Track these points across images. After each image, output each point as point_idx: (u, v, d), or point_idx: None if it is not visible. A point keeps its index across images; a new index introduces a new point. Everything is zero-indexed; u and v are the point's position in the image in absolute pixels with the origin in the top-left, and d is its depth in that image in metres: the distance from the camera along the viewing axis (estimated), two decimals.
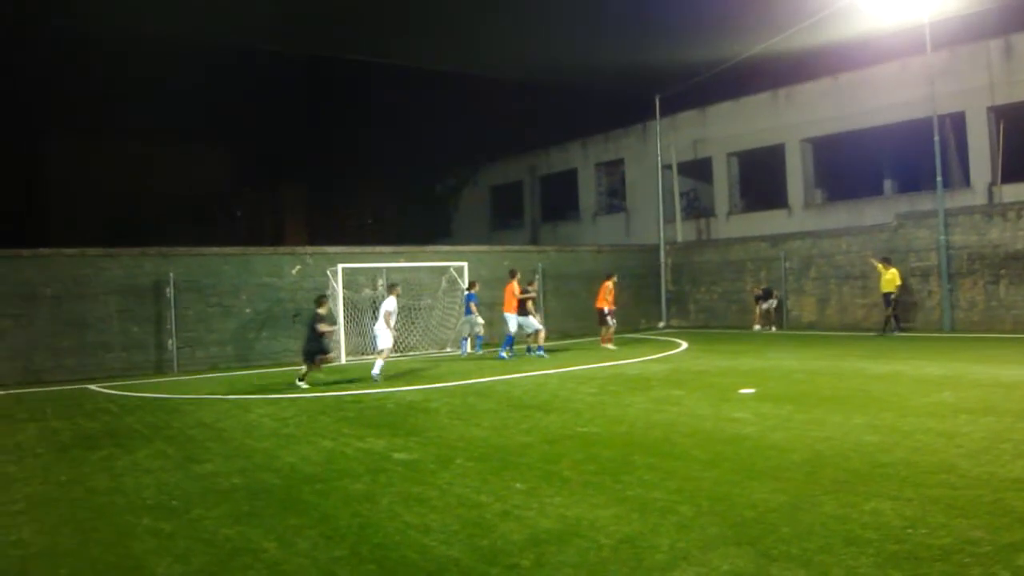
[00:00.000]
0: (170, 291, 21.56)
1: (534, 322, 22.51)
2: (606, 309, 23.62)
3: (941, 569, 5.32)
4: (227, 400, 15.54)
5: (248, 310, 22.98)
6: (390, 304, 18.14)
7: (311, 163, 49.83)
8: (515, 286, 22.40)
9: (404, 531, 6.66)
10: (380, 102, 46.83)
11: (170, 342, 21.63)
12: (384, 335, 17.98)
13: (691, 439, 9.90)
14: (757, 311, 29.00)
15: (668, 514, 6.81)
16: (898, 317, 24.75)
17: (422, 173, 49.86)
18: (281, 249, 25.40)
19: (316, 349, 17.29)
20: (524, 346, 23.38)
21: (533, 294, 23.70)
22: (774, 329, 28.26)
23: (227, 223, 49.63)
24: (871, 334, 24.67)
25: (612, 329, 23.99)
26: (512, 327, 22.28)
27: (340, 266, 23.18)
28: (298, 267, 23.84)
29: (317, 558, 6.09)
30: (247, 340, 22.93)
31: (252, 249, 24.25)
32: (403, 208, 51.12)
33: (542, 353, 22.00)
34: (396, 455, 9.73)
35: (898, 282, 24.51)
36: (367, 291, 24.66)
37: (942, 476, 7.66)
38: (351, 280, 23.92)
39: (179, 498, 8.04)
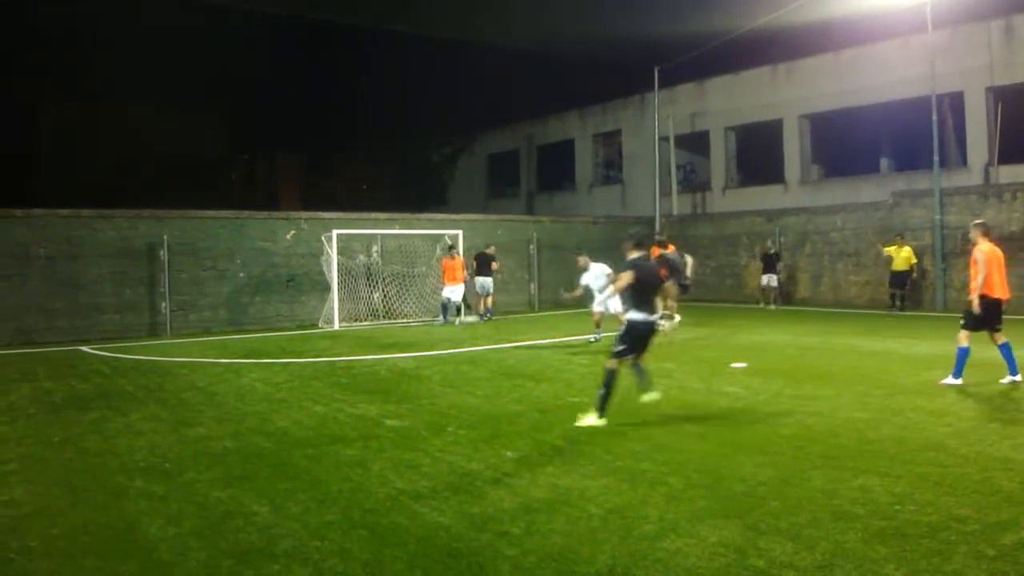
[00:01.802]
0: (164, 254, 21.49)
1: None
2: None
3: (927, 546, 5.38)
4: (220, 364, 15.54)
5: (242, 274, 22.92)
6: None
7: (307, 129, 49.54)
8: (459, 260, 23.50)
9: (395, 497, 6.71)
10: (377, 68, 46.58)
11: (163, 305, 21.60)
12: (613, 301, 17.29)
13: (682, 412, 9.96)
14: (759, 283, 28.12)
15: (658, 486, 6.87)
16: (903, 296, 24.47)
17: (419, 140, 49.61)
18: (276, 214, 25.30)
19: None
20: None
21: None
22: (773, 307, 27.40)
23: (222, 187, 49.39)
24: (895, 312, 24.37)
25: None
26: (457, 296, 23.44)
27: (335, 232, 23.09)
28: (293, 232, 23.77)
29: (308, 522, 6.13)
30: (240, 304, 22.90)
31: (247, 213, 24.15)
32: (399, 175, 50.91)
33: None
34: (388, 421, 9.78)
35: (913, 260, 24.29)
36: (361, 257, 24.61)
37: (931, 454, 7.73)
38: (345, 246, 23.84)
39: (171, 460, 8.08)
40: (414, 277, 25.27)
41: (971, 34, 26.38)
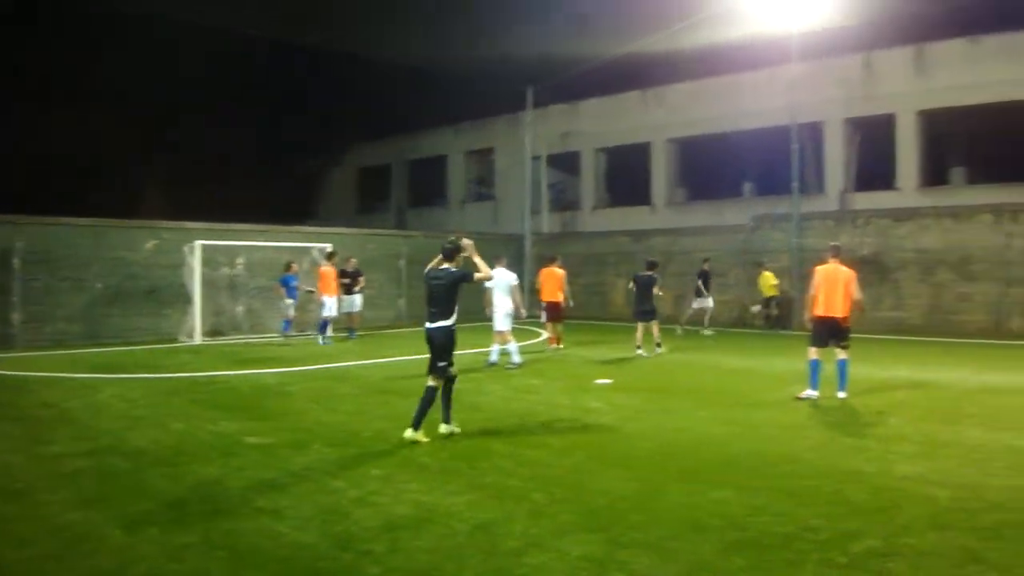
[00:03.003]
0: (16, 261, 20.49)
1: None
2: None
3: (782, 556, 5.58)
4: (74, 379, 14.90)
5: (99, 285, 22.00)
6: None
7: (171, 134, 47.97)
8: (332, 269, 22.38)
9: (256, 517, 6.56)
10: (246, 74, 45.41)
11: (15, 316, 20.57)
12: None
13: (547, 428, 10.05)
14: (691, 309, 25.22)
15: (522, 501, 6.91)
16: (777, 316, 25.24)
17: (288, 151, 48.71)
18: (137, 222, 24.32)
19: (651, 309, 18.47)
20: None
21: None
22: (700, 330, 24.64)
23: (84, 193, 47.34)
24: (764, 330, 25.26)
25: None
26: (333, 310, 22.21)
27: (198, 242, 22.44)
28: (154, 242, 22.98)
29: (165, 544, 5.93)
30: (97, 316, 21.95)
31: (106, 221, 23.06)
32: (267, 185, 49.71)
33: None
34: (250, 439, 9.53)
35: (773, 281, 24.97)
36: (225, 269, 24.00)
37: (786, 467, 8.01)
38: (209, 258, 23.15)
39: (23, 481, 7.72)
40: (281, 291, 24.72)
41: (832, 68, 27.67)
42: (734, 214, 29.56)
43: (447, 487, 7.38)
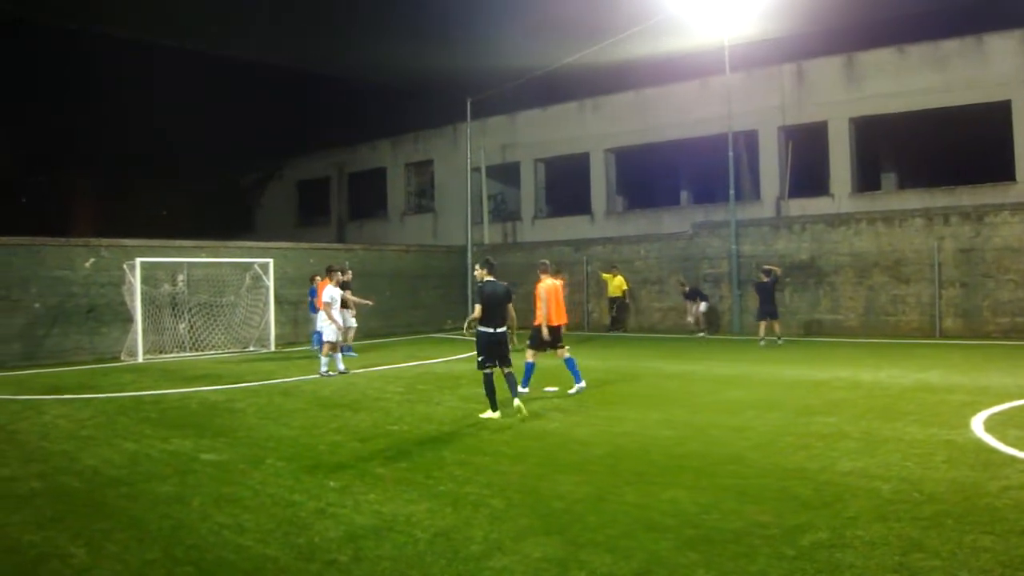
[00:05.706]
0: None
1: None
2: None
3: (733, 550, 5.79)
4: (17, 400, 14.67)
5: (37, 305, 21.62)
6: (331, 292, 17.69)
7: (100, 148, 46.94)
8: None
9: (218, 532, 6.60)
10: (181, 87, 44.75)
11: None
12: (328, 327, 17.57)
13: (498, 435, 10.19)
14: (692, 312, 26.17)
15: (480, 507, 7.05)
16: (616, 319, 27.91)
17: (224, 164, 48.16)
18: (75, 240, 23.90)
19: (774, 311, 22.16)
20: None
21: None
22: (703, 335, 25.71)
23: (9, 211, 46.18)
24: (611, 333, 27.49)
25: None
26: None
27: (138, 260, 22.15)
28: (92, 260, 22.64)
29: (129, 562, 5.95)
30: (36, 337, 21.56)
31: (42, 239, 22.69)
32: (201, 200, 49.01)
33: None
34: (204, 456, 9.54)
35: (625, 287, 27.53)
36: (166, 287, 23.73)
37: (732, 467, 8.25)
38: (149, 275, 22.89)
39: None
40: (222, 307, 24.55)
41: (765, 77, 28.37)
42: (672, 222, 30.04)
43: (404, 496, 7.48)
